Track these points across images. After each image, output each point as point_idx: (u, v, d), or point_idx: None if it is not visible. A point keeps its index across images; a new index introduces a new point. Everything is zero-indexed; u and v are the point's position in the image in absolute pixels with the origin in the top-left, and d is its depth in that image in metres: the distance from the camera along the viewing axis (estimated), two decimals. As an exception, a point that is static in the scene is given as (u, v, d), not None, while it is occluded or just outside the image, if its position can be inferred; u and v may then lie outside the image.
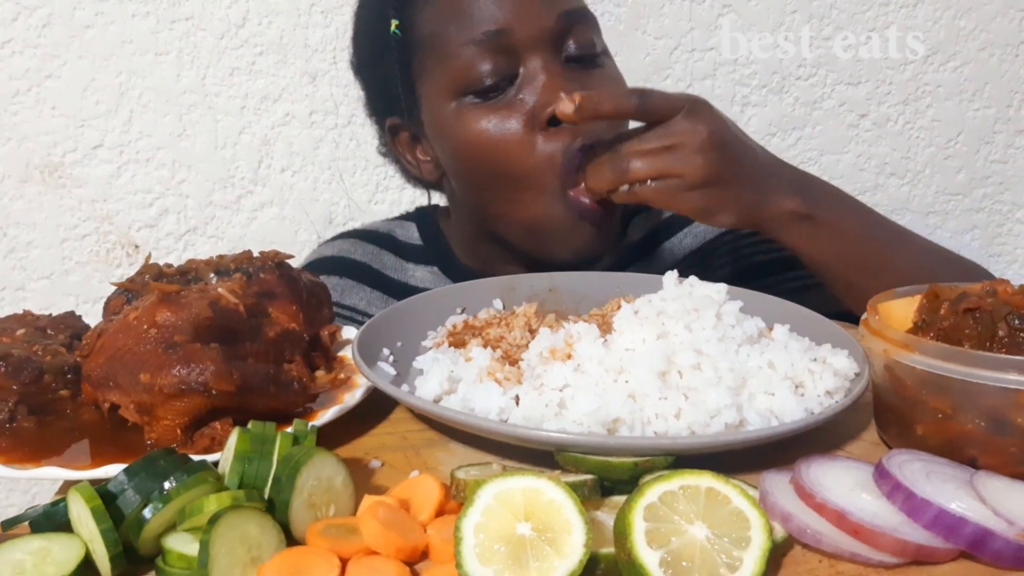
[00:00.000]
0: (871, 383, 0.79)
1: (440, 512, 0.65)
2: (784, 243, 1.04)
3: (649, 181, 0.98)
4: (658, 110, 0.98)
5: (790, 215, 1.01)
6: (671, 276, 0.91)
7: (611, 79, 1.13)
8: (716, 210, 0.99)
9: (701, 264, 1.29)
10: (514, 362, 0.88)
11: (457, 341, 0.95)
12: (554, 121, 1.05)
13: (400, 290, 1.29)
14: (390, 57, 1.16)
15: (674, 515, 0.58)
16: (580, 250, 1.13)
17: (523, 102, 1.07)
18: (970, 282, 0.78)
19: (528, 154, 1.06)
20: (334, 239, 1.39)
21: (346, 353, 0.96)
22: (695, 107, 0.98)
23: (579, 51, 1.09)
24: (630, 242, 1.32)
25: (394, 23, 1.14)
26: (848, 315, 1.01)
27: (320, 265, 1.32)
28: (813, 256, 1.04)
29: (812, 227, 1.01)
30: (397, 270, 1.31)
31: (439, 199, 1.35)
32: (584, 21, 1.11)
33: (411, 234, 1.36)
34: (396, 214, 1.44)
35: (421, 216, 1.37)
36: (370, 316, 1.22)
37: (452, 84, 1.09)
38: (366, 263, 1.31)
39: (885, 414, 0.77)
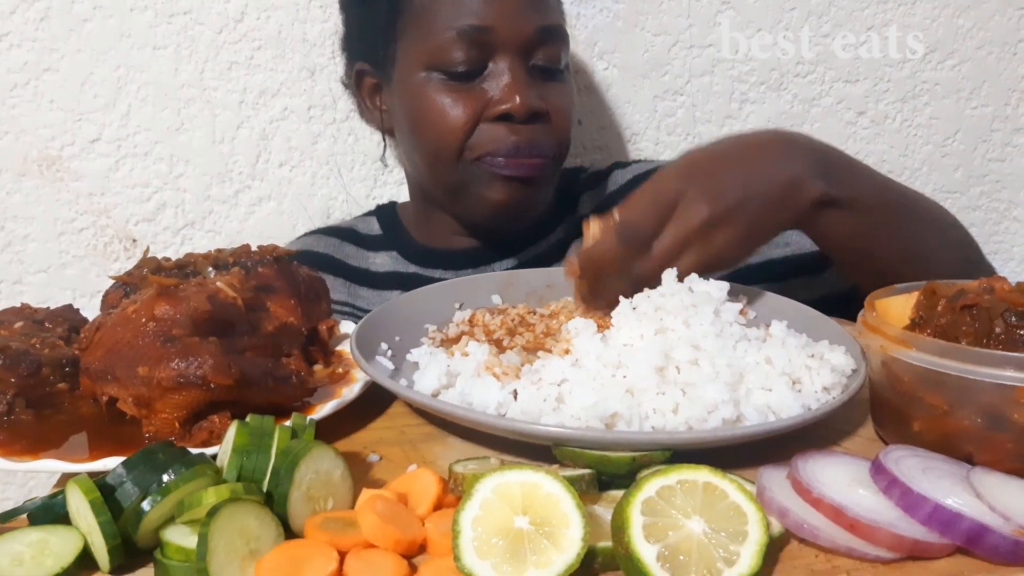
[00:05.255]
0: (868, 379, 0.79)
1: (438, 506, 0.65)
2: (814, 233, 1.01)
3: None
4: (647, 224, 0.91)
5: (818, 200, 0.95)
6: (670, 273, 0.91)
7: (566, 94, 1.25)
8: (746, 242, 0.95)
9: None
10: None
11: (450, 342, 0.95)
12: (501, 118, 1.17)
13: (361, 275, 1.38)
14: (378, 10, 1.25)
15: (671, 509, 0.58)
16: (501, 205, 1.22)
17: (483, 92, 1.18)
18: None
19: (467, 135, 1.18)
20: (300, 237, 1.49)
21: (344, 347, 0.96)
22: (687, 181, 0.92)
23: (546, 63, 1.21)
24: (581, 215, 1.36)
25: None
26: (844, 311, 1.01)
27: None
28: (844, 235, 1.00)
29: (837, 208, 0.97)
30: (358, 258, 1.41)
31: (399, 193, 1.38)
32: (558, 37, 1.23)
33: (372, 227, 1.46)
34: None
35: (380, 210, 1.48)
36: (334, 301, 1.29)
37: (427, 57, 1.20)
38: (328, 254, 1.40)
39: (882, 410, 0.77)
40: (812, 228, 1.00)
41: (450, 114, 1.18)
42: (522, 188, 1.21)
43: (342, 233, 1.45)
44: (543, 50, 1.20)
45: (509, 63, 1.18)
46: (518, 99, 1.15)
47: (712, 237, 0.91)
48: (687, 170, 0.94)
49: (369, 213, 1.49)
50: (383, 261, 1.40)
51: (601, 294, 0.94)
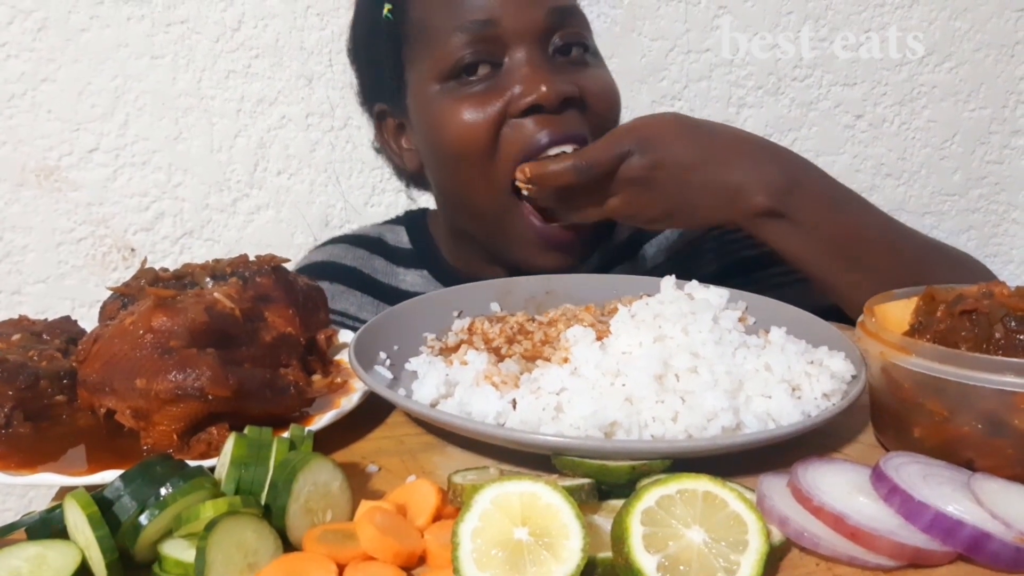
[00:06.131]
0: (868, 385, 0.79)
1: (437, 517, 0.65)
2: (761, 240, 1.03)
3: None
4: (603, 169, 1.00)
5: (760, 212, 0.99)
6: (669, 280, 0.90)
7: (601, 77, 1.14)
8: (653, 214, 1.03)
9: (688, 261, 1.28)
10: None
11: (449, 351, 0.95)
12: (527, 112, 1.06)
13: (390, 294, 1.29)
14: (381, 41, 1.18)
15: (671, 519, 0.58)
16: (541, 268, 1.13)
17: (503, 90, 1.07)
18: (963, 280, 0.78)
19: (492, 139, 1.07)
20: (324, 244, 1.40)
21: (342, 357, 0.96)
22: (643, 144, 0.99)
23: (567, 47, 1.10)
24: (616, 242, 1.32)
25: (387, 7, 1.16)
26: (844, 317, 1.01)
27: (310, 270, 1.32)
28: (788, 253, 1.02)
29: (785, 225, 0.99)
30: (387, 274, 1.32)
31: (427, 202, 1.36)
32: (573, 18, 1.12)
33: (401, 238, 1.36)
34: (391, 217, 1.44)
35: (411, 220, 1.38)
36: (362, 320, 1.24)
37: (437, 69, 1.10)
38: (356, 268, 1.32)
39: (882, 416, 0.77)
40: (756, 233, 1.02)
41: (469, 119, 1.07)
42: (563, 257, 1.13)
43: (371, 244, 1.35)
44: (561, 35, 1.09)
45: (525, 53, 1.07)
46: (543, 87, 1.04)
47: (637, 195, 1.01)
48: (651, 134, 1.00)
49: (397, 221, 1.39)
50: (414, 280, 1.31)
51: (542, 202, 1.07)
